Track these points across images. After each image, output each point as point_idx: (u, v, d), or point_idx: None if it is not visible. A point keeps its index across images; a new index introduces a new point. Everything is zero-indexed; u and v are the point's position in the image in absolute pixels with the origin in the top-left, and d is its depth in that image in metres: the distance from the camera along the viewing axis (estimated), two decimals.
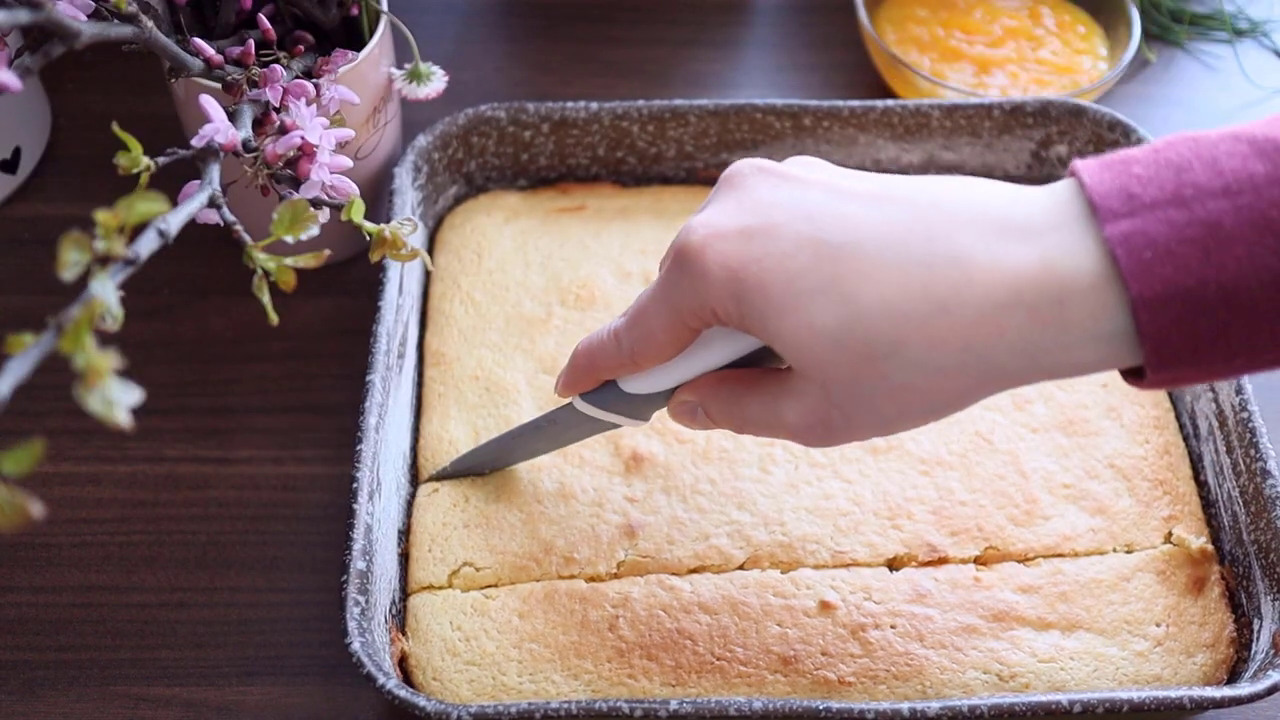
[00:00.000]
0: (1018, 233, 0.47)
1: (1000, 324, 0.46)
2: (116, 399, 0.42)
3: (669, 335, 0.54)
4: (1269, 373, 0.47)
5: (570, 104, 0.81)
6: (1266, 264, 0.44)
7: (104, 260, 0.47)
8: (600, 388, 0.61)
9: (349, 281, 0.83)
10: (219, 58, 0.67)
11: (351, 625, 0.59)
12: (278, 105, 0.66)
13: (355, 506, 0.63)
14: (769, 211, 0.50)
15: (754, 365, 0.56)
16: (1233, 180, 0.45)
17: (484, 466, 0.70)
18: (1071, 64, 0.93)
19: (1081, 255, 0.46)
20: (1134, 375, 0.49)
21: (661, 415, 0.72)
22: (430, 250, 0.82)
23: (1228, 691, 0.59)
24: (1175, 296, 0.44)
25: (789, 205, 0.50)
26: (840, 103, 0.82)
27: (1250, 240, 0.44)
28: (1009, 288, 0.46)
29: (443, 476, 0.71)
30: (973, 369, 0.48)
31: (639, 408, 0.61)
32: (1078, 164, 0.48)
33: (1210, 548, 0.69)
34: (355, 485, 0.64)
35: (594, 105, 0.81)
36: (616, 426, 0.63)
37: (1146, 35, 1.00)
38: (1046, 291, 0.46)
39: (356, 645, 0.58)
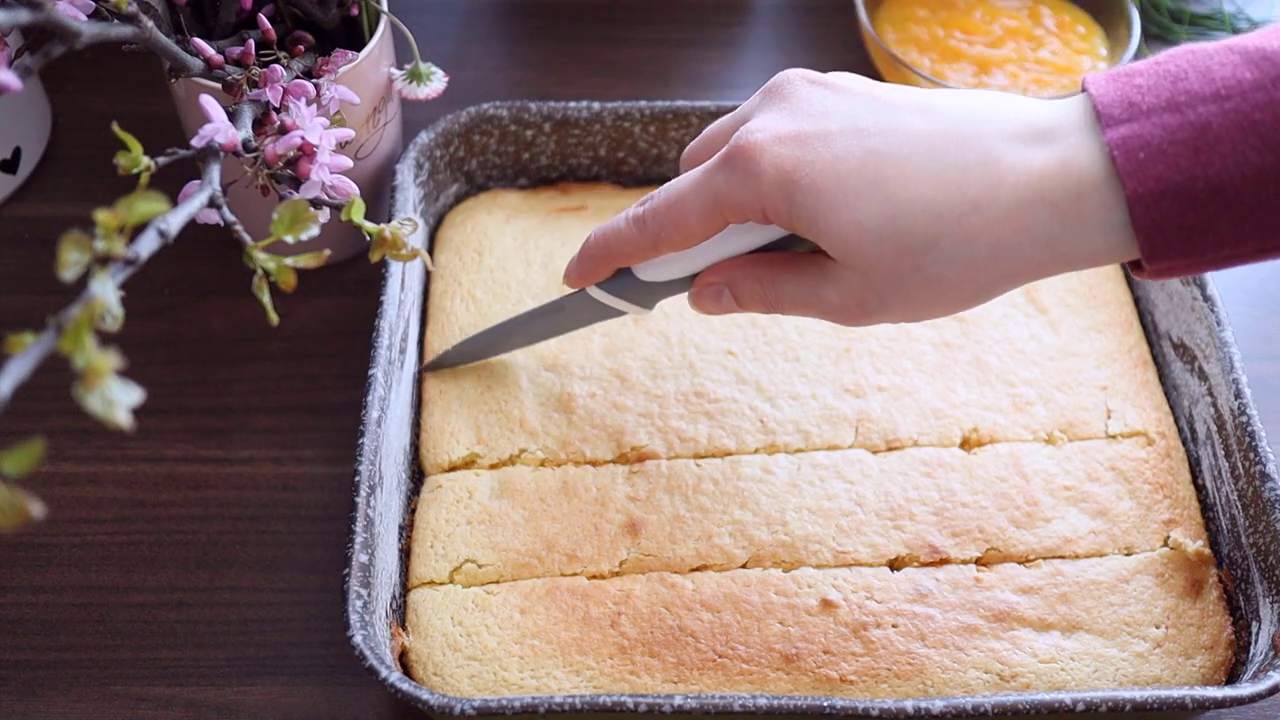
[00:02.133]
0: (1040, 137, 0.52)
1: (1026, 219, 0.52)
2: (116, 399, 0.42)
3: (701, 224, 0.58)
4: (1259, 262, 0.52)
5: (572, 104, 0.81)
6: (1250, 161, 0.49)
7: (104, 260, 0.47)
8: (614, 275, 0.64)
9: (349, 281, 0.83)
10: (219, 58, 0.67)
11: (354, 618, 0.59)
12: (278, 105, 0.66)
13: (357, 500, 0.63)
14: (822, 120, 0.55)
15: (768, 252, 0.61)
16: (1222, 86, 0.50)
17: (484, 352, 0.73)
18: (1071, 64, 0.93)
19: (1093, 155, 0.51)
20: (1136, 267, 0.54)
21: (665, 411, 0.72)
22: (431, 248, 0.82)
23: (1229, 691, 0.59)
24: (1166, 193, 0.49)
25: (840, 114, 0.55)
26: None
27: (1235, 140, 0.49)
28: (1033, 187, 0.51)
29: (439, 365, 0.73)
30: (1000, 261, 0.53)
31: (650, 295, 0.64)
32: (1088, 77, 0.53)
33: (1207, 551, 0.69)
34: (357, 479, 0.64)
35: (596, 105, 0.81)
36: (622, 314, 0.67)
37: (1146, 35, 1.00)
38: (1065, 188, 0.51)
39: (359, 638, 0.58)
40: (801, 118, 0.55)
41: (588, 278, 0.65)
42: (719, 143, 0.62)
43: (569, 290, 0.69)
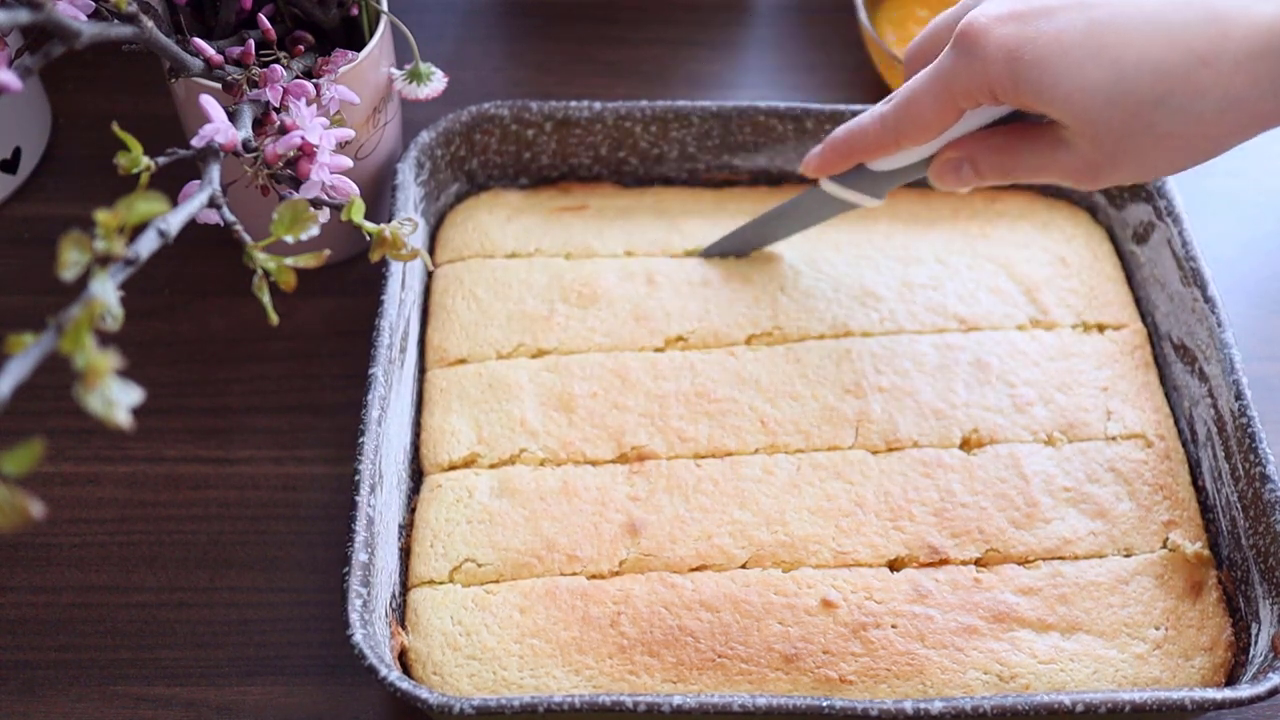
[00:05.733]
0: None
1: (1255, 71, 0.54)
2: (116, 399, 0.42)
3: (937, 115, 0.62)
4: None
5: (573, 103, 0.81)
6: None
7: (104, 260, 0.47)
8: (850, 170, 0.70)
9: (349, 281, 0.83)
10: (219, 58, 0.67)
11: (354, 617, 0.59)
12: (278, 105, 0.66)
13: (357, 499, 0.63)
14: None
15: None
16: None
17: (738, 249, 0.80)
18: None
19: None
20: None
21: (665, 411, 0.72)
22: (432, 246, 0.82)
23: (1228, 693, 0.59)
24: None
25: None
26: (842, 106, 0.82)
27: None
28: (1262, 37, 0.53)
29: (708, 253, 0.80)
30: (1230, 114, 0.55)
31: (882, 185, 0.70)
32: None
33: (1207, 553, 0.69)
34: (358, 478, 0.64)
35: (597, 105, 0.81)
36: (854, 206, 0.73)
37: None
38: None
39: (359, 637, 0.58)
40: None
41: (826, 169, 0.70)
42: (944, 35, 0.64)
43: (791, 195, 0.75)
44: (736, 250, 0.80)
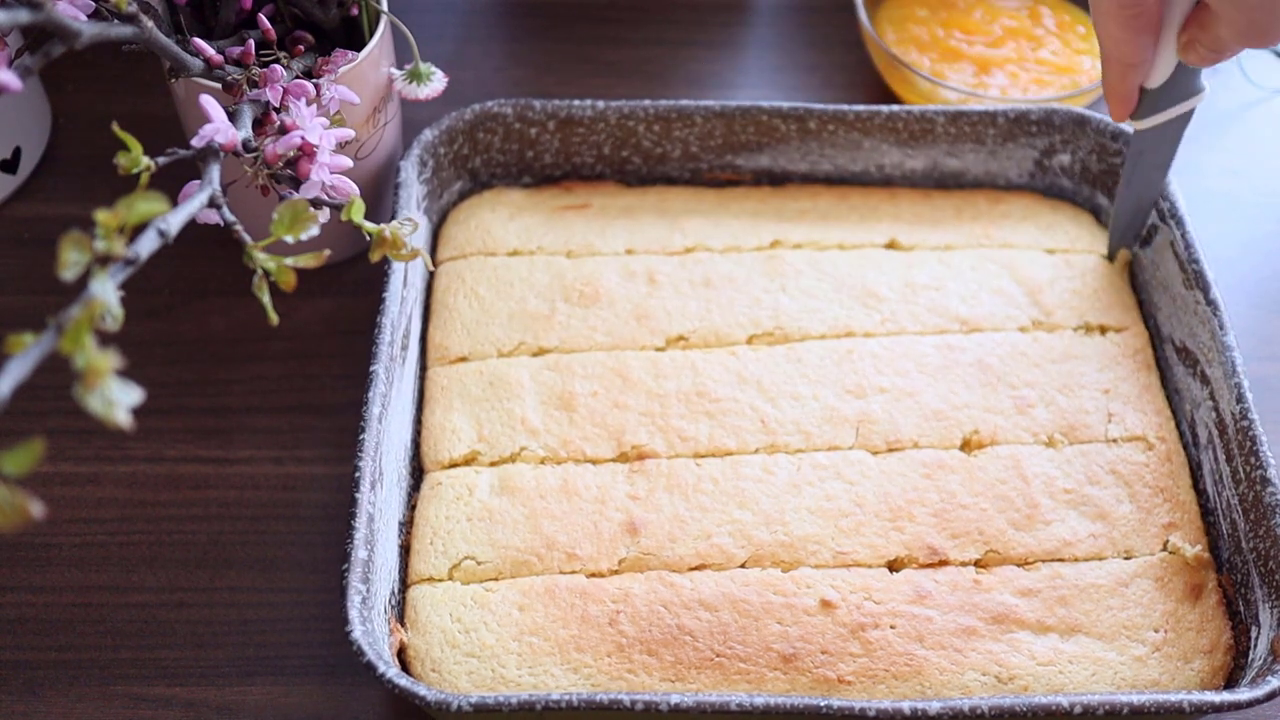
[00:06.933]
0: None
1: None
2: (116, 399, 0.42)
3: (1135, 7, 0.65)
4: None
5: (576, 102, 0.81)
6: None
7: (104, 260, 0.47)
8: (1140, 104, 0.72)
9: (349, 281, 0.83)
10: (219, 58, 0.67)
11: (353, 614, 0.59)
12: (278, 105, 0.66)
13: (358, 496, 0.63)
14: None
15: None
16: None
17: (1130, 237, 0.81)
18: (1071, 64, 0.93)
19: None
20: None
21: (665, 411, 0.72)
22: (434, 244, 0.82)
23: (1227, 696, 0.59)
24: None
25: None
26: (845, 106, 0.82)
27: None
28: None
29: (1112, 254, 0.82)
30: None
31: (1176, 89, 0.71)
32: None
33: (1207, 555, 0.69)
34: (358, 474, 0.64)
35: (600, 104, 0.81)
36: (1186, 115, 0.73)
37: None
38: None
39: (358, 634, 0.58)
40: None
41: (1124, 110, 0.72)
42: None
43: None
44: (1131, 237, 0.81)
